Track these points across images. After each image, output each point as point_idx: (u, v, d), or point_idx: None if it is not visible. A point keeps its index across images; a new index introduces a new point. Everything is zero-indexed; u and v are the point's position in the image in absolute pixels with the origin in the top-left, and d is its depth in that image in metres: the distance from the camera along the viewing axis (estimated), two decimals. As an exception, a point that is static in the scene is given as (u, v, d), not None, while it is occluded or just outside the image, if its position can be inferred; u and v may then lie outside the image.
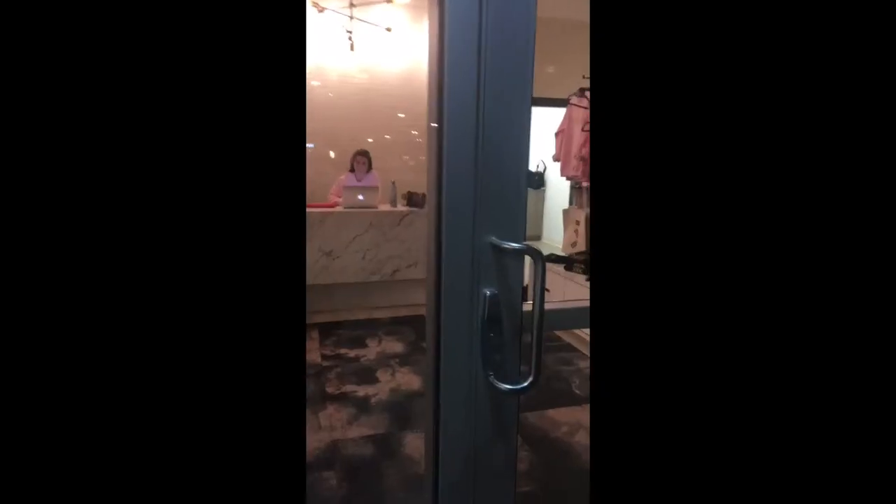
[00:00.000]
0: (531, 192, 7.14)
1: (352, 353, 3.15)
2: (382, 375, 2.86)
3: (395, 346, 3.26)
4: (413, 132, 5.01)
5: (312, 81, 4.50)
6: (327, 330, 3.51)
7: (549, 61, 5.37)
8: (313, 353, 3.14)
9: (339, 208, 3.87)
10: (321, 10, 4.18)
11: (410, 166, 5.14)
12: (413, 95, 5.03)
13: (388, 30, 4.51)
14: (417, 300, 4.04)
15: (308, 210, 3.76)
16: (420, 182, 5.03)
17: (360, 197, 3.88)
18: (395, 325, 3.64)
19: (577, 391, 2.80)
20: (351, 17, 4.36)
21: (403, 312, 3.89)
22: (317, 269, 3.74)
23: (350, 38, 4.39)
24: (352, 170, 4.29)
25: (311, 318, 3.67)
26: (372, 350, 3.20)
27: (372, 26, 4.49)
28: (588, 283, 2.93)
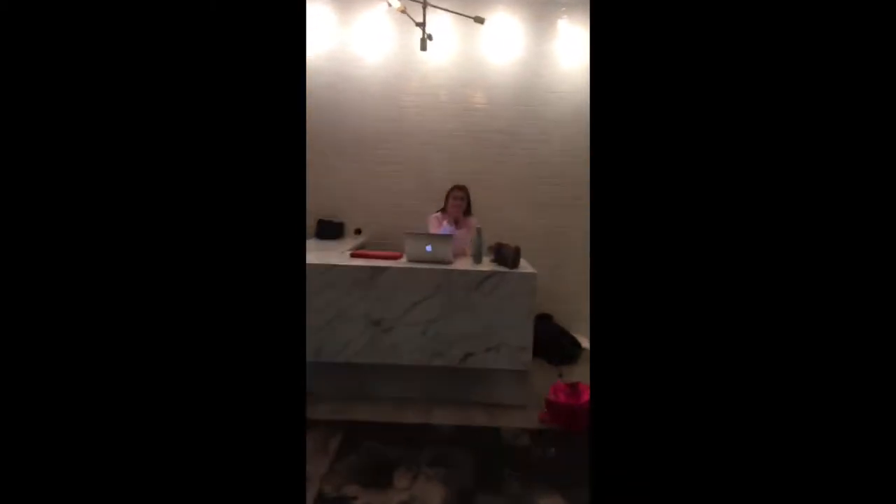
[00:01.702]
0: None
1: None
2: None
3: (434, 495, 2.08)
4: (513, 165, 3.87)
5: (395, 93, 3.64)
6: (354, 435, 2.47)
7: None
8: (310, 486, 2.11)
9: (400, 262, 2.87)
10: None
11: (505, 212, 3.98)
12: (519, 116, 3.91)
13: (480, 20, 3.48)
14: (494, 399, 2.83)
15: (357, 262, 2.83)
16: (511, 232, 3.85)
17: (428, 248, 2.84)
18: (450, 445, 2.46)
19: None
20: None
21: (473, 419, 2.69)
22: (360, 342, 2.76)
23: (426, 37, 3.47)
24: (443, 209, 3.34)
25: (342, 412, 2.68)
26: (392, 499, 2.03)
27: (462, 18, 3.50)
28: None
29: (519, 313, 2.74)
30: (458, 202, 3.40)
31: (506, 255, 2.84)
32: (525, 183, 4.01)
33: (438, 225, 3.37)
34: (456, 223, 3.42)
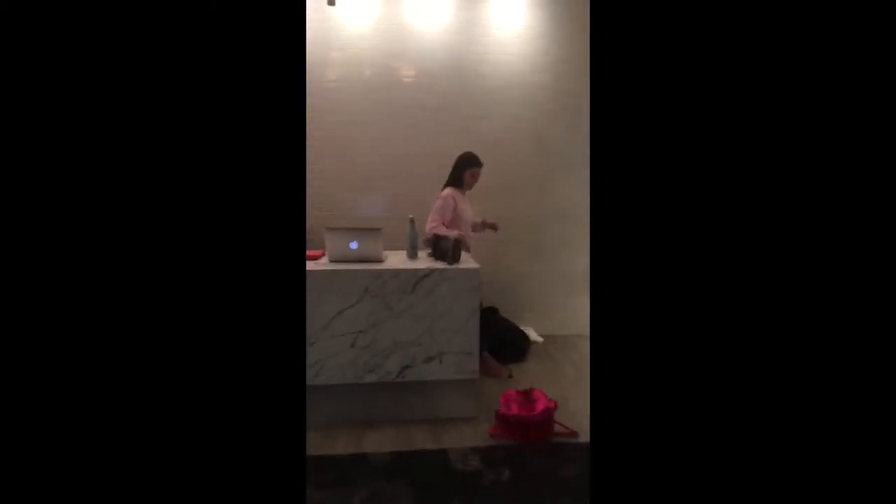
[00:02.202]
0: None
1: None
2: None
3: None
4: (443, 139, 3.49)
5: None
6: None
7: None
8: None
9: (321, 262, 2.43)
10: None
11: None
12: (453, 91, 3.53)
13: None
14: (439, 414, 2.48)
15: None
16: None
17: (353, 245, 2.41)
18: (391, 477, 2.09)
19: None
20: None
21: (415, 442, 2.33)
22: (276, 362, 2.31)
23: None
24: (454, 184, 3.02)
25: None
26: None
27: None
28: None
29: (462, 314, 2.38)
30: (477, 179, 3.02)
31: (445, 249, 2.47)
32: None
33: (455, 204, 2.92)
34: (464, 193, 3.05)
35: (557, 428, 2.36)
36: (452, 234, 2.60)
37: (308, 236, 3.42)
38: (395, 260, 2.50)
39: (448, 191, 2.95)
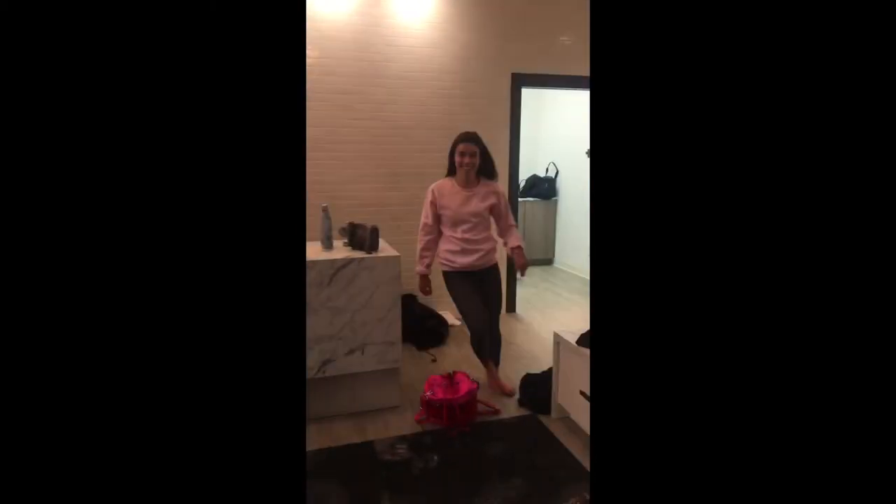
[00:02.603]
0: (539, 205, 5.52)
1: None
2: None
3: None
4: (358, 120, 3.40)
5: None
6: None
7: (563, 30, 3.77)
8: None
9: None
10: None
11: (355, 186, 3.52)
12: (361, 74, 3.43)
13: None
14: (362, 406, 2.44)
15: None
16: (364, 208, 3.41)
17: (263, 237, 2.28)
18: (313, 476, 2.02)
19: None
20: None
21: (339, 437, 2.27)
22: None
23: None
24: (451, 172, 2.53)
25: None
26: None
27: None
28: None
29: (384, 304, 2.34)
30: (469, 159, 2.40)
31: (361, 238, 2.41)
32: (375, 151, 3.55)
33: (434, 198, 2.48)
34: (466, 187, 2.47)
35: (481, 407, 2.42)
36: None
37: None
38: (310, 251, 2.39)
39: (433, 184, 2.54)
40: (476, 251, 2.49)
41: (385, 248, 2.47)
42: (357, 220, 2.54)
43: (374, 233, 2.39)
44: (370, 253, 2.36)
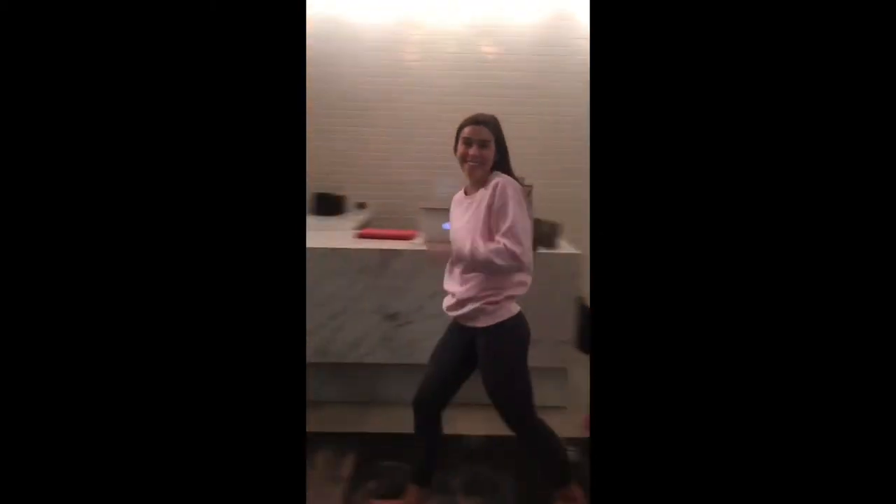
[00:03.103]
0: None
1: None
2: None
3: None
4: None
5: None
6: (369, 452, 2.08)
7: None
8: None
9: (416, 242, 2.42)
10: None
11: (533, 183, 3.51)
12: (540, 68, 3.41)
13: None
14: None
15: (365, 244, 2.37)
16: (548, 204, 3.36)
17: (446, 226, 2.38)
18: (486, 461, 2.07)
19: None
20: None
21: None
22: (372, 340, 2.33)
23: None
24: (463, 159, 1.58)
25: (353, 423, 2.27)
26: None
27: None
28: None
29: (560, 300, 2.32)
30: (477, 150, 1.52)
31: (540, 233, 2.40)
32: (557, 147, 3.52)
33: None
34: (466, 192, 1.64)
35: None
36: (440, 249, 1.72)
37: (397, 216, 3.45)
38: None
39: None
40: (463, 292, 1.56)
41: (564, 246, 2.44)
42: (539, 217, 2.54)
43: (553, 228, 2.38)
44: (547, 248, 2.35)
